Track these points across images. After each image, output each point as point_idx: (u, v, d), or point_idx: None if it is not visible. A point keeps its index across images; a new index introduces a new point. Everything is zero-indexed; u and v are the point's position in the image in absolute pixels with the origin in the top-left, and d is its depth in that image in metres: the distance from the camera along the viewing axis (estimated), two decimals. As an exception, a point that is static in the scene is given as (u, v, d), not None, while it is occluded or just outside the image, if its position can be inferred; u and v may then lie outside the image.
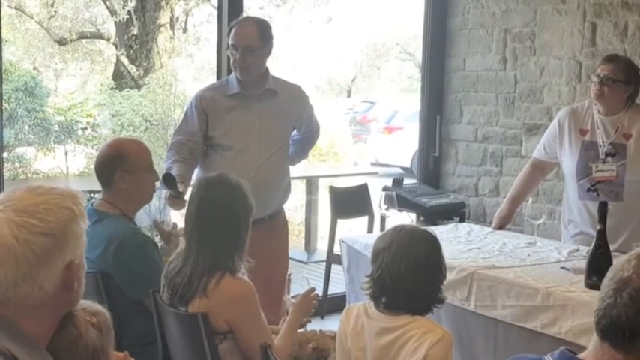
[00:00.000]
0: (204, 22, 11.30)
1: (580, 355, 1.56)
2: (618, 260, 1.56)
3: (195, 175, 3.52)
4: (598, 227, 2.80)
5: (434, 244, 2.31)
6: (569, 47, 4.75)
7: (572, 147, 3.61)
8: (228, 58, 3.54)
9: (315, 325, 2.96)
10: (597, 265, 2.72)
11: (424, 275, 2.24)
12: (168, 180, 3.16)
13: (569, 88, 4.76)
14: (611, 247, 2.86)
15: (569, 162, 3.62)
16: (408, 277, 2.21)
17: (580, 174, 3.57)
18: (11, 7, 9.92)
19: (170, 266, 2.56)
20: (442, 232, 3.83)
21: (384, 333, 2.24)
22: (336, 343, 2.44)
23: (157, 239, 3.19)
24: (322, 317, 4.75)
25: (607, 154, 3.51)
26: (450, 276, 3.12)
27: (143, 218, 7.05)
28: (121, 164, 2.85)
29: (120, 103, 9.17)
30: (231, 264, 2.46)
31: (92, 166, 3.19)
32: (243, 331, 2.46)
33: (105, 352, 1.61)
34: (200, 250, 2.47)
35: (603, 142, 3.52)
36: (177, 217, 3.45)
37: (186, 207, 2.69)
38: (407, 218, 4.84)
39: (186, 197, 2.92)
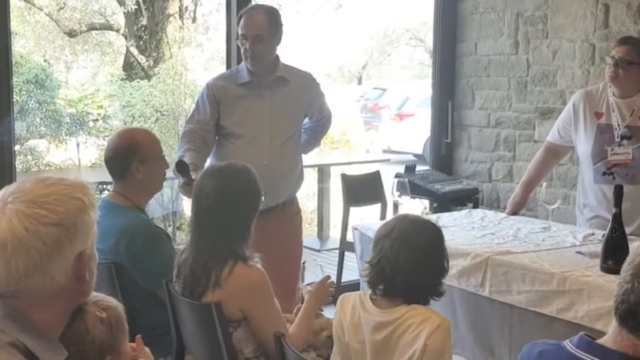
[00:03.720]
0: (214, 11, 11.26)
1: (599, 341, 1.55)
2: (638, 245, 1.54)
3: (208, 163, 3.51)
4: (614, 211, 2.77)
5: (436, 234, 2.27)
6: (582, 29, 4.69)
7: (588, 130, 3.57)
8: (238, 48, 3.53)
9: (329, 313, 2.95)
10: (613, 249, 2.70)
11: (423, 265, 2.21)
12: (182, 167, 3.15)
13: (583, 71, 4.71)
14: (627, 230, 2.83)
15: (584, 145, 3.59)
16: (406, 265, 2.17)
17: (595, 157, 3.54)
18: (20, 0, 9.93)
19: (182, 256, 2.55)
20: (456, 219, 3.81)
21: (381, 327, 2.20)
22: (333, 335, 2.41)
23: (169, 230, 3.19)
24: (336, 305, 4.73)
25: (622, 137, 3.48)
26: (465, 262, 3.11)
27: (156, 209, 7.07)
28: (136, 154, 2.83)
29: (130, 94, 9.18)
30: (242, 252, 2.45)
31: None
32: (256, 318, 2.46)
33: (114, 349, 1.60)
34: (210, 239, 2.46)
35: (619, 125, 3.49)
36: (189, 206, 3.44)
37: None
38: (420, 205, 4.81)
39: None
